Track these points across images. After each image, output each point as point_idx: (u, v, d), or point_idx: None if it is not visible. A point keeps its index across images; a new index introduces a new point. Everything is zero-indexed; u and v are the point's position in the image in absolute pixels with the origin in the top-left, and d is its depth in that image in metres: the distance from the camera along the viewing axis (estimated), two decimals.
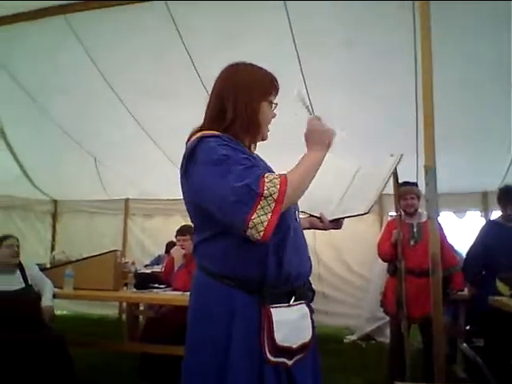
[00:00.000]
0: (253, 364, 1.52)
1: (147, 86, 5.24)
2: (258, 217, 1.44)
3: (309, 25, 4.35)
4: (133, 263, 5.68)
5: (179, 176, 1.65)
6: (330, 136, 1.66)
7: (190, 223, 5.34)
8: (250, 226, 1.43)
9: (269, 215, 1.44)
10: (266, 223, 1.44)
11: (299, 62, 4.63)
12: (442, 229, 4.06)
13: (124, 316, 6.38)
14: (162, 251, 6.51)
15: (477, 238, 4.54)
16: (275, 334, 1.54)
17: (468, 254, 4.65)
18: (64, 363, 3.52)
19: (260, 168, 1.56)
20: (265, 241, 1.46)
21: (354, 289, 6.95)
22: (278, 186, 1.46)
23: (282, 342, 1.55)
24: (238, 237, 1.52)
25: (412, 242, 4.19)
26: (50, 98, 5.57)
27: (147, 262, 6.98)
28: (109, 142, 6.20)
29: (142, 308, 5.86)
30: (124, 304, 6.38)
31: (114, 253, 4.33)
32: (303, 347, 1.62)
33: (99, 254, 4.31)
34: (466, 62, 4.38)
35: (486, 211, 6.56)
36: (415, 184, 4.37)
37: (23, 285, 3.81)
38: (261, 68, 1.75)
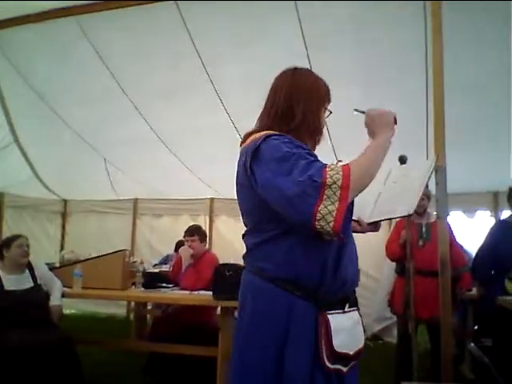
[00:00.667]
0: (305, 371, 1.51)
1: (158, 88, 5.26)
2: (325, 207, 1.41)
3: (319, 26, 4.35)
4: (141, 262, 5.69)
5: (238, 175, 1.64)
6: (391, 115, 1.68)
7: (198, 223, 5.32)
8: (317, 218, 1.41)
9: (336, 204, 1.41)
10: (334, 213, 1.41)
11: (309, 62, 4.64)
12: (450, 229, 4.04)
13: (132, 315, 6.40)
14: (171, 251, 6.52)
15: (486, 237, 4.50)
16: (333, 340, 1.53)
17: (477, 253, 4.62)
18: (71, 362, 3.55)
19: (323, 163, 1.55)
20: (337, 232, 1.42)
21: (362, 289, 6.92)
22: (341, 172, 1.44)
23: (339, 349, 1.54)
24: (301, 238, 1.53)
25: (421, 242, 4.17)
26: (61, 98, 5.60)
27: (156, 262, 6.99)
28: (119, 143, 6.22)
29: (149, 307, 5.87)
30: (132, 303, 6.40)
31: (123, 252, 4.34)
32: (359, 353, 1.62)
33: (108, 254, 4.33)
34: (472, 61, 4.36)
35: (495, 211, 6.52)
36: None
37: (32, 284, 3.84)
38: (318, 75, 1.81)
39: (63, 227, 8.68)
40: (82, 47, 4.77)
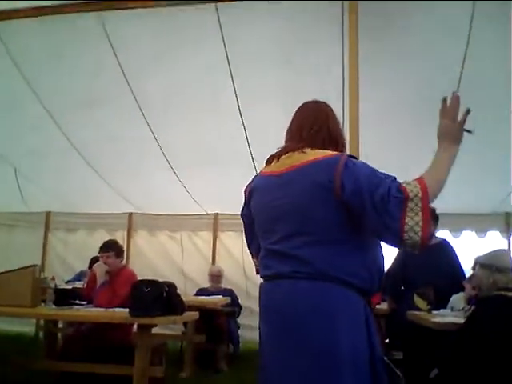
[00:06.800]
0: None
1: (76, 97, 5.11)
2: (411, 219, 1.54)
3: (242, 43, 4.43)
4: (52, 279, 5.43)
5: (309, 190, 1.69)
6: (461, 132, 1.72)
7: (115, 239, 5.14)
8: (405, 229, 1.54)
9: (420, 214, 1.55)
10: (421, 223, 1.54)
11: (232, 79, 4.70)
12: None
13: (41, 333, 6.08)
14: (85, 267, 6.30)
15: (397, 254, 4.73)
16: None
17: (388, 270, 4.83)
18: None
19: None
20: (425, 241, 1.55)
21: None
22: (419, 185, 1.58)
23: None
24: (371, 246, 1.73)
25: None
26: None
27: (69, 278, 6.72)
28: (30, 152, 5.96)
29: (60, 325, 5.61)
30: (41, 321, 6.07)
31: (33, 268, 4.12)
32: None
33: (16, 269, 4.10)
34: (388, 84, 4.60)
35: None
36: None
37: None
38: None
39: None
40: None
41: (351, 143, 3.46)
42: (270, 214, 1.79)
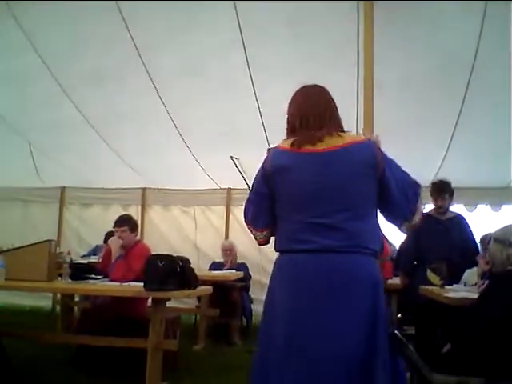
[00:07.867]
0: None
1: (89, 71, 5.09)
2: (420, 204, 1.99)
3: (256, 17, 4.37)
4: (68, 253, 5.50)
5: (354, 168, 1.90)
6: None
7: (129, 213, 5.13)
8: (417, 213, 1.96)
9: (419, 202, 1.98)
10: (420, 209, 2.00)
11: (245, 52, 4.65)
12: None
13: (58, 307, 6.19)
14: (100, 241, 6.37)
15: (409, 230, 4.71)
16: None
17: (401, 245, 4.82)
18: None
19: None
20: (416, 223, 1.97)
21: None
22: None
23: None
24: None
25: None
26: None
27: (84, 253, 6.81)
28: (45, 127, 5.98)
29: (77, 299, 5.71)
30: (58, 295, 6.17)
31: (49, 243, 4.17)
32: None
33: (32, 244, 4.15)
34: (401, 59, 4.52)
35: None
36: None
37: None
38: None
39: None
40: (9, 26, 4.54)
41: (365, 122, 3.44)
42: (313, 189, 1.89)
